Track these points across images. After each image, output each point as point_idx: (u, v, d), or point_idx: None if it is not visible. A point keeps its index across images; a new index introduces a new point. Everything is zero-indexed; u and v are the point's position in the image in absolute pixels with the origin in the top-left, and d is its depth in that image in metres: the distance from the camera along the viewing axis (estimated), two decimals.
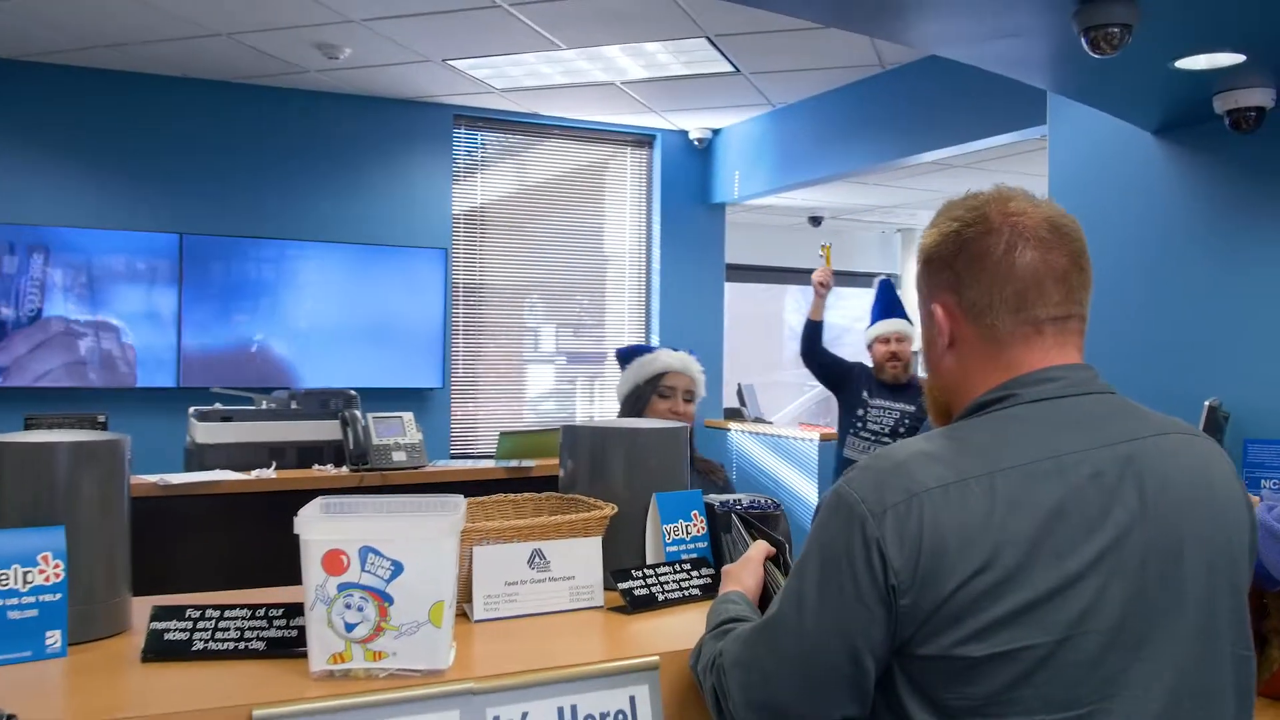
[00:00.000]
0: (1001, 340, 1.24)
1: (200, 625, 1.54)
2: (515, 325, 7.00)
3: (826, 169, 6.11)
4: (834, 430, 6.88)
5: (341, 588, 1.42)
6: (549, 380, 7.24)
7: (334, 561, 1.42)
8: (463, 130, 6.59)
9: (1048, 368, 1.24)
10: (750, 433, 6.63)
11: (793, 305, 9.82)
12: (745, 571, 1.68)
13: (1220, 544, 1.22)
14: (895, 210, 7.95)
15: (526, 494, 2.14)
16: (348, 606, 1.42)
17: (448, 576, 1.47)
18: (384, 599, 1.43)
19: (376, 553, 1.42)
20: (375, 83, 5.94)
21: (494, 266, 6.80)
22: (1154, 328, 3.85)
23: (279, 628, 1.56)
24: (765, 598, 1.66)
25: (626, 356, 2.98)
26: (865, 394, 4.82)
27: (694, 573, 1.98)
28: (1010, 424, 1.21)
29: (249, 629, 1.55)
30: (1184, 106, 3.51)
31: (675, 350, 2.99)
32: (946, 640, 1.12)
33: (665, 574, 1.94)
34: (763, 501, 2.07)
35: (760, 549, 1.72)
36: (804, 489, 6.10)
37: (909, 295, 9.22)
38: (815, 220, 8.18)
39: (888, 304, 4.88)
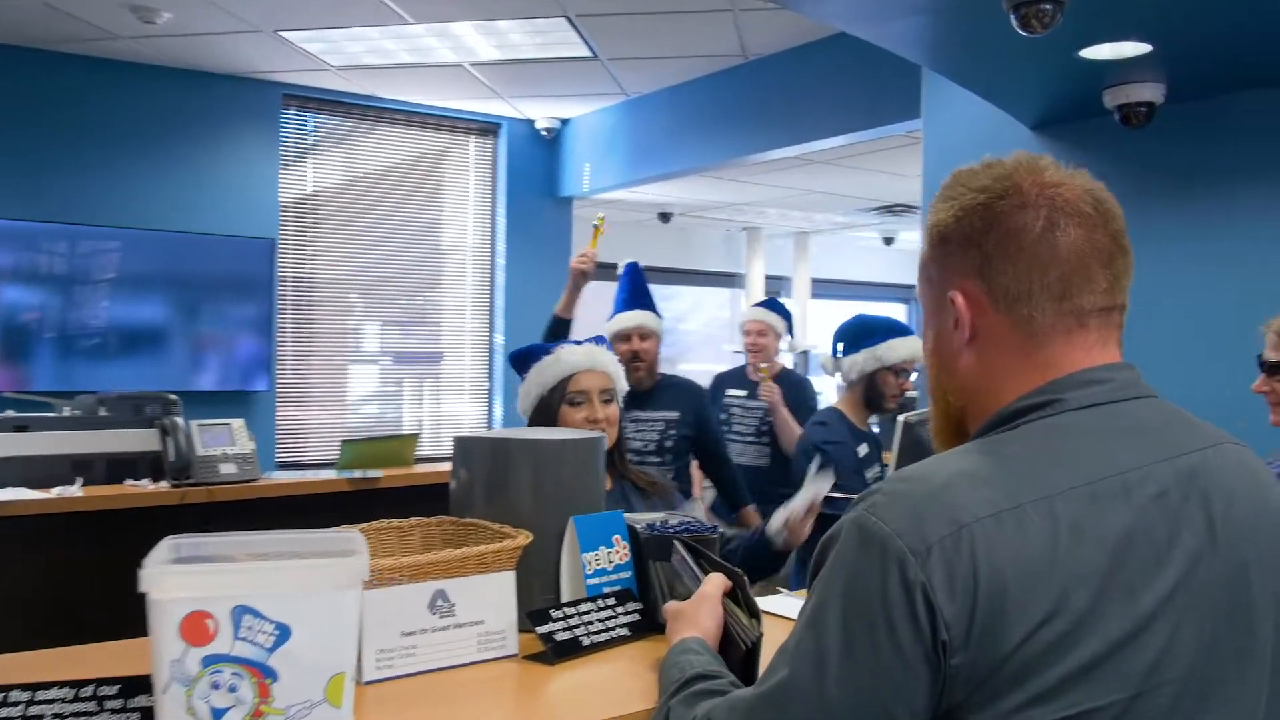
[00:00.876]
0: (1040, 334, 1.05)
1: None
2: (348, 323, 6.52)
3: (681, 162, 5.90)
4: None
5: (207, 661, 1.07)
6: (379, 382, 6.79)
7: (197, 628, 1.06)
8: (293, 111, 6.08)
9: (1094, 368, 1.05)
10: None
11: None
12: (702, 611, 1.40)
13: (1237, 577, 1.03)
14: (744, 208, 7.83)
15: (415, 520, 1.79)
16: (215, 686, 1.07)
17: (348, 640, 1.14)
18: (265, 674, 1.08)
19: (255, 613, 1.07)
20: (196, 54, 5.39)
21: (325, 259, 6.30)
22: None
23: (114, 711, 1.18)
24: (726, 641, 1.39)
25: (521, 361, 2.53)
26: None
27: (619, 609, 1.69)
28: (1059, 436, 1.02)
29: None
30: (1071, 100, 3.43)
31: (579, 344, 2.53)
32: (1007, 704, 0.92)
33: (589, 612, 1.64)
34: (693, 521, 1.79)
35: (717, 583, 1.44)
36: None
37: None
38: (665, 216, 7.98)
39: (634, 292, 4.18)
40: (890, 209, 7.70)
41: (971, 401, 1.10)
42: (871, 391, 3.47)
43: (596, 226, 4.09)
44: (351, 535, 1.28)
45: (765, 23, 4.69)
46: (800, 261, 9.19)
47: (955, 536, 0.92)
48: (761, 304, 4.84)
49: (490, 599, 1.55)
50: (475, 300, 6.85)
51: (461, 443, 1.83)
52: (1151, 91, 3.21)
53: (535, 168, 6.83)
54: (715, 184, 6.89)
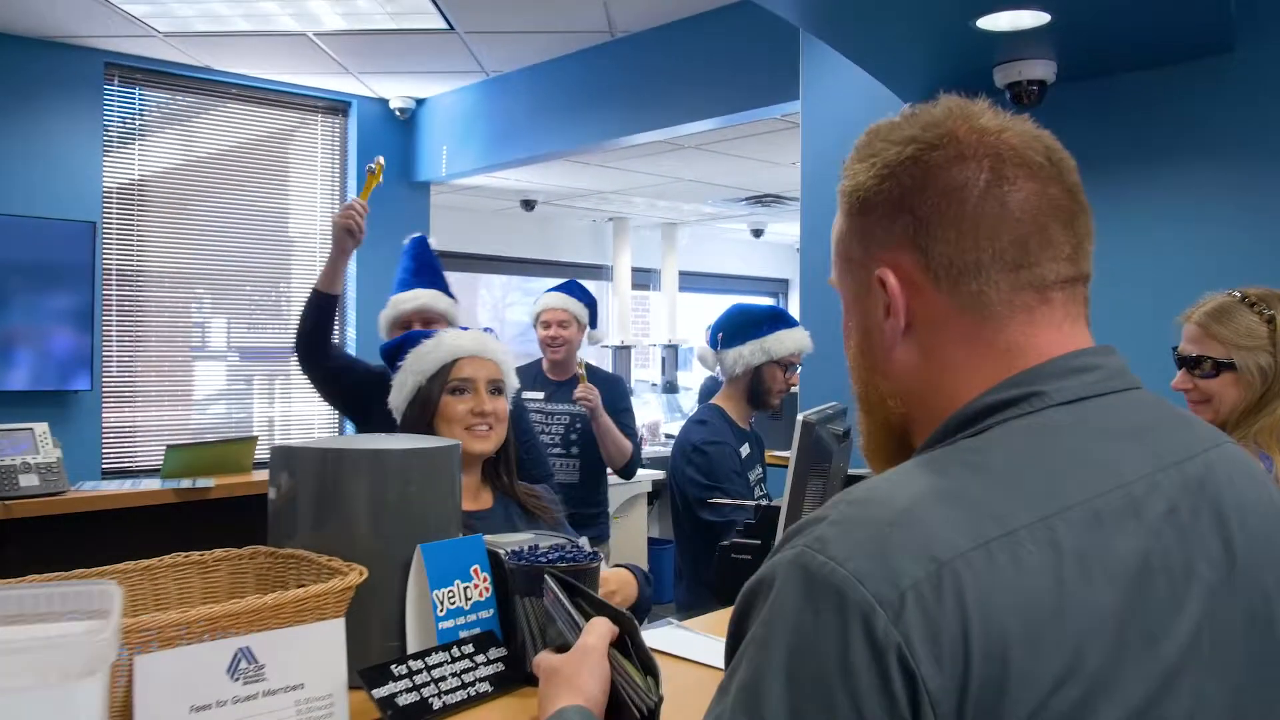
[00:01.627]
0: (996, 314, 0.85)
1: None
2: (182, 316, 5.98)
3: (545, 146, 5.58)
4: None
5: None
6: (221, 380, 6.26)
7: None
8: (117, 83, 5.51)
9: (1074, 353, 0.85)
10: None
11: (505, 293, 9.24)
12: (584, 669, 1.09)
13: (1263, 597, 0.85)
14: (611, 197, 7.54)
15: (221, 551, 1.44)
16: None
17: None
18: None
19: None
20: (3, 14, 4.81)
21: (156, 247, 5.75)
22: None
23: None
24: (615, 707, 1.10)
25: (394, 353, 2.21)
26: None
27: (479, 657, 1.37)
28: (1045, 439, 0.81)
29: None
30: (961, 77, 3.24)
31: (464, 329, 2.22)
32: None
33: (440, 664, 1.32)
34: (569, 547, 1.48)
35: (602, 633, 1.14)
36: None
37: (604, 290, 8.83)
38: (528, 204, 7.62)
39: (419, 269, 3.65)
40: (760, 199, 7.53)
41: (916, 406, 0.89)
42: (756, 387, 3.22)
43: (372, 171, 3.42)
44: (102, 589, 0.93)
45: None
46: (668, 253, 8.96)
47: (935, 578, 0.70)
48: (560, 288, 4.10)
49: (312, 656, 1.21)
50: None
51: (281, 453, 1.48)
52: (1044, 69, 3.04)
53: (389, 151, 6.37)
54: (581, 170, 6.59)
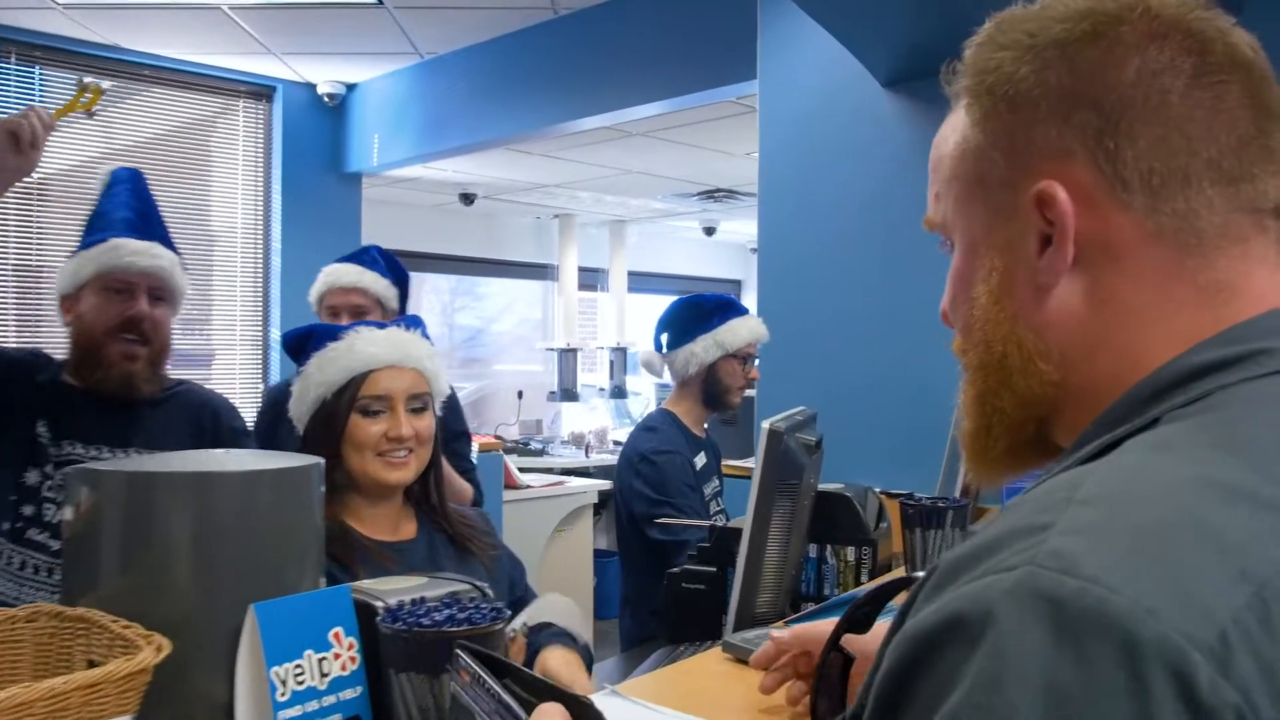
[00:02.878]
0: (1204, 241, 0.64)
1: None
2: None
3: (483, 133, 5.21)
4: (496, 439, 6.03)
5: None
6: None
7: None
8: (14, 62, 5.05)
9: None
10: None
11: (447, 298, 8.84)
12: None
13: None
14: (555, 191, 7.16)
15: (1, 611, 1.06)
16: None
17: None
18: None
19: None
20: None
21: (61, 241, 5.30)
22: (886, 307, 3.26)
23: None
24: None
25: (298, 346, 1.81)
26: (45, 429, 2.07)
27: None
28: None
29: None
30: (937, 41, 2.93)
31: (381, 326, 1.80)
32: None
33: None
34: (467, 598, 1.12)
35: None
36: None
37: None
38: (468, 199, 7.20)
39: (141, 214, 2.51)
40: (712, 194, 7.20)
41: (1079, 369, 0.67)
42: (713, 387, 2.87)
43: (85, 90, 2.39)
44: None
45: None
46: (616, 252, 8.61)
47: (1260, 606, 0.47)
48: (351, 258, 3.04)
49: None
50: (247, 291, 5.96)
51: (81, 476, 1.10)
52: None
53: (317, 139, 5.99)
54: (523, 160, 6.22)
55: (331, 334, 1.75)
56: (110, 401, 2.08)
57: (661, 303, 3.12)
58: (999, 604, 0.49)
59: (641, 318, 8.71)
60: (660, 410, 3.09)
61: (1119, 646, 0.46)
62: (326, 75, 5.76)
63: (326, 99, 5.89)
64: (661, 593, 2.66)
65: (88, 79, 2.43)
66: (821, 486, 2.04)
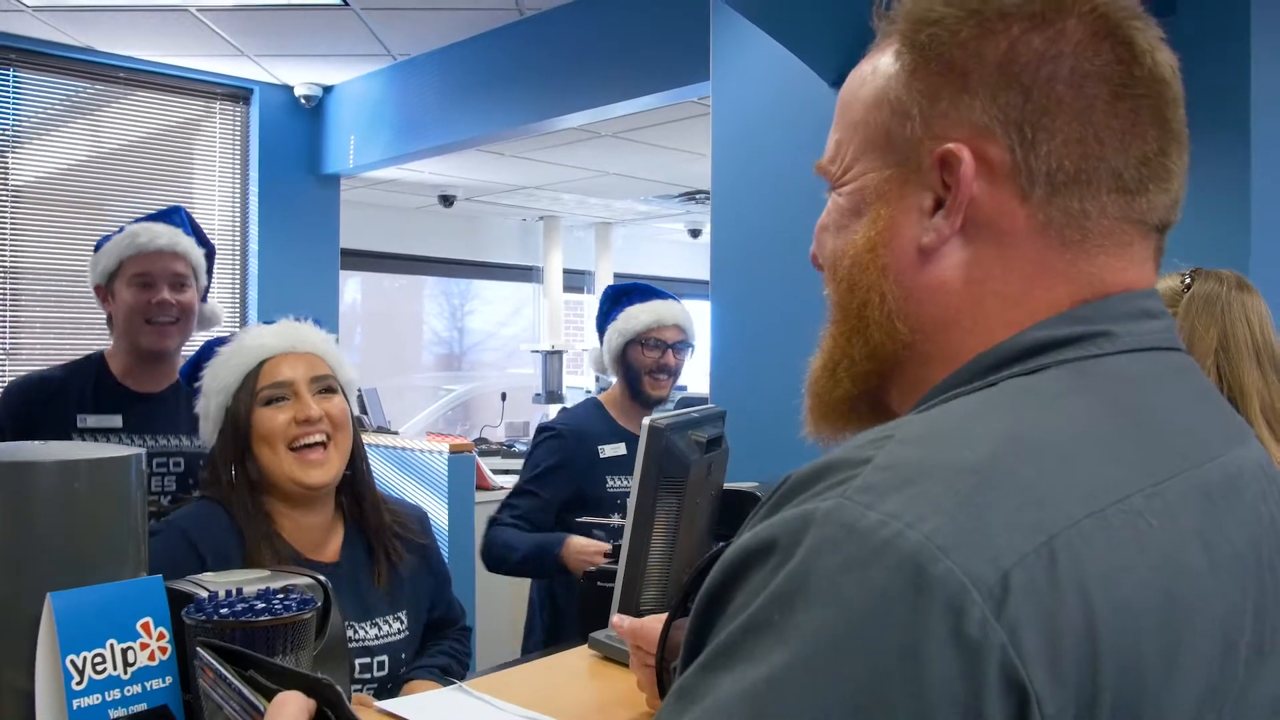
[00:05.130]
0: (1088, 241, 0.66)
1: None
2: (72, 321, 5.54)
3: (456, 133, 5.22)
4: (468, 441, 6.03)
5: None
6: None
7: None
8: None
9: (1146, 292, 0.68)
10: (371, 445, 5.60)
11: (431, 301, 8.86)
12: None
13: None
14: (537, 193, 7.18)
15: None
16: None
17: None
18: None
19: None
20: None
21: (36, 244, 5.33)
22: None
23: None
24: None
25: (192, 371, 1.82)
26: None
27: None
28: (1123, 389, 0.62)
29: None
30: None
31: (269, 322, 1.81)
32: None
33: None
34: (278, 593, 1.12)
35: (292, 713, 0.79)
36: (433, 509, 5.19)
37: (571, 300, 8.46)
38: (447, 200, 7.22)
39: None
40: (693, 195, 7.20)
41: (933, 337, 0.68)
42: (628, 374, 2.85)
43: None
44: None
45: None
46: (602, 254, 8.62)
47: (1047, 554, 0.51)
48: (159, 217, 2.59)
49: None
50: (224, 294, 5.97)
51: None
52: None
53: (294, 141, 6.01)
54: (498, 161, 6.23)
55: (221, 342, 1.73)
56: None
57: None
58: (807, 532, 0.52)
59: None
60: (587, 398, 3.12)
61: (907, 578, 0.49)
62: (303, 77, 5.78)
63: (303, 101, 5.91)
64: (578, 593, 2.67)
65: None
66: (731, 484, 2.04)
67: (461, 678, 1.62)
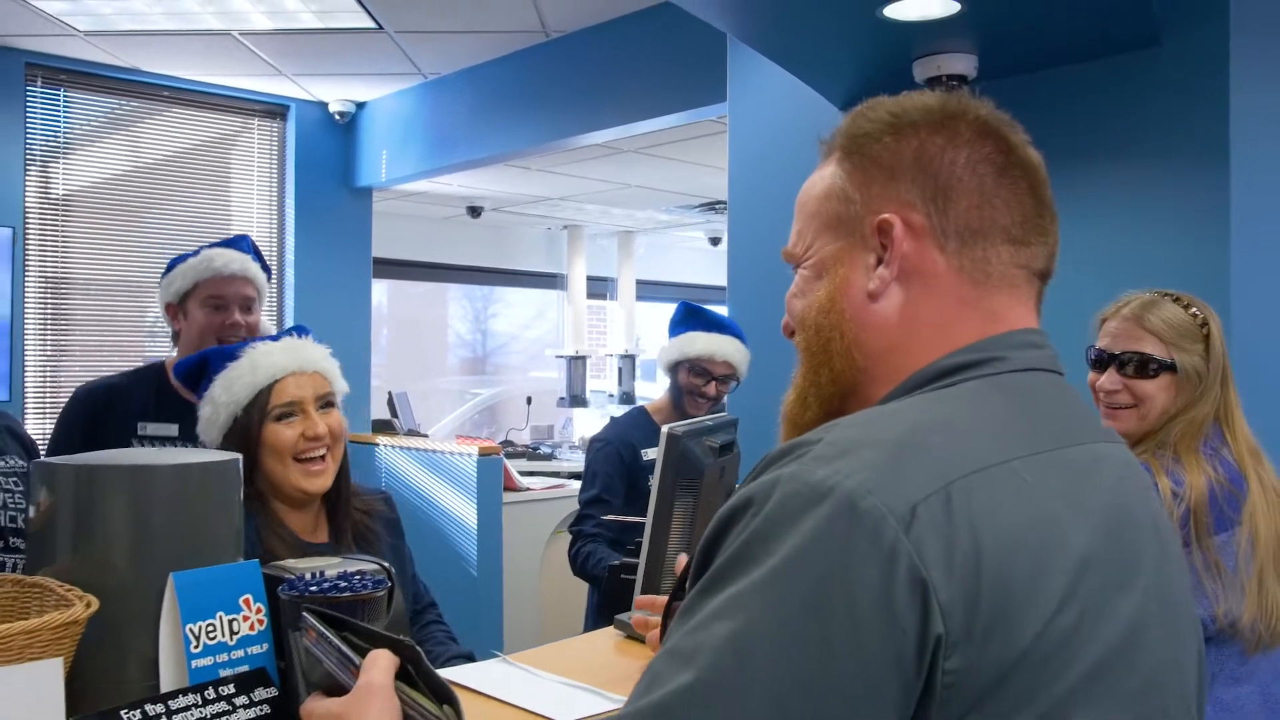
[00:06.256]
0: (989, 281, 0.89)
1: None
2: (112, 325, 5.80)
3: (484, 149, 5.44)
4: (496, 444, 6.25)
5: None
6: None
7: None
8: (40, 85, 5.34)
9: (1029, 330, 0.91)
10: (401, 447, 5.84)
11: (456, 307, 9.09)
12: (370, 710, 0.95)
13: (1180, 586, 0.90)
14: (561, 204, 7.40)
15: None
16: None
17: None
18: None
19: None
20: None
21: (85, 254, 5.58)
22: None
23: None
24: None
25: (194, 375, 1.93)
26: None
27: (240, 699, 1.22)
28: (1013, 395, 0.86)
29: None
30: (880, 73, 3.12)
31: (274, 338, 1.95)
32: None
33: (186, 707, 1.17)
34: (355, 574, 1.33)
35: (385, 667, 1.00)
36: (463, 510, 5.41)
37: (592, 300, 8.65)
38: (475, 211, 7.46)
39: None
40: (713, 206, 7.40)
41: (880, 361, 0.90)
42: (674, 388, 3.12)
43: None
44: None
45: None
46: (625, 262, 8.83)
47: (944, 494, 0.72)
48: (229, 244, 2.77)
49: (19, 702, 1.06)
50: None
51: (39, 469, 1.33)
52: (964, 64, 2.92)
53: (329, 155, 6.25)
54: (524, 175, 6.45)
55: (228, 355, 1.88)
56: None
57: (669, 311, 3.35)
58: (776, 487, 0.73)
59: (649, 325, 8.91)
60: (635, 406, 3.36)
61: (844, 510, 0.70)
62: (337, 94, 6.02)
63: (337, 117, 6.15)
64: (605, 583, 2.89)
65: None
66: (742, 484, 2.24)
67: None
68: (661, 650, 0.73)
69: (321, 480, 1.86)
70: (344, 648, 1.04)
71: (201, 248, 2.74)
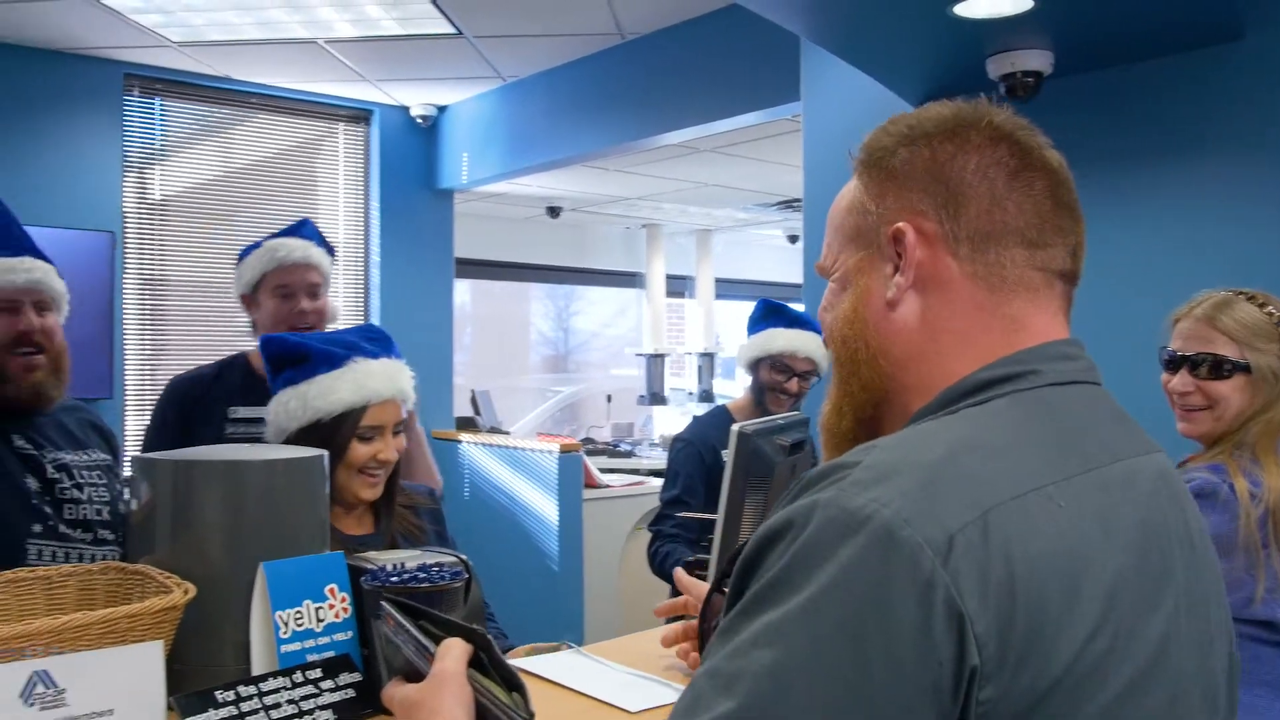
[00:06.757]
0: (1005, 285, 0.90)
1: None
2: (210, 323, 6.00)
3: (562, 151, 5.51)
4: (576, 441, 6.34)
5: None
6: None
7: None
8: (137, 94, 5.55)
9: (1062, 341, 0.91)
10: (484, 444, 5.96)
11: (539, 306, 9.21)
12: (445, 696, 0.99)
13: (1221, 593, 0.93)
14: (638, 203, 7.46)
15: (70, 567, 1.38)
16: None
17: None
18: None
19: None
20: (16, 25, 4.86)
21: (180, 256, 5.79)
22: None
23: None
24: None
25: (285, 358, 1.98)
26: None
27: (325, 684, 1.28)
28: (1048, 411, 0.86)
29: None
30: (954, 71, 3.11)
31: (375, 356, 2.02)
32: None
33: (276, 690, 1.24)
34: (434, 566, 1.39)
35: (458, 655, 1.05)
36: (543, 506, 5.50)
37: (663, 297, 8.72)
38: (554, 211, 7.56)
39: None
40: (790, 204, 7.39)
41: (907, 369, 0.91)
42: (756, 386, 3.15)
43: None
44: None
45: None
46: (703, 260, 8.85)
47: (981, 524, 0.72)
48: (290, 231, 2.86)
49: (123, 681, 1.14)
50: (348, 302, 6.38)
51: (139, 464, 1.41)
52: (1039, 60, 2.89)
53: (411, 158, 6.38)
54: (602, 175, 6.52)
55: (333, 361, 1.95)
56: (30, 409, 2.15)
57: (747, 309, 3.39)
58: (815, 512, 0.74)
59: (728, 323, 8.92)
60: (717, 405, 3.40)
61: (882, 541, 0.71)
62: (419, 98, 6.15)
63: (420, 120, 6.28)
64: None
65: None
66: None
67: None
68: (703, 668, 0.75)
69: (374, 491, 1.97)
70: (420, 636, 1.09)
71: (265, 238, 2.83)
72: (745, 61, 4.35)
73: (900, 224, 0.91)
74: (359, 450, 1.92)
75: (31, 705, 1.09)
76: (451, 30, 4.81)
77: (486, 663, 1.06)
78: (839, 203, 0.99)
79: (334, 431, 1.89)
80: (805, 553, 0.72)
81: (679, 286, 9.15)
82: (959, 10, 2.58)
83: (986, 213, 0.89)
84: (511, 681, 1.03)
